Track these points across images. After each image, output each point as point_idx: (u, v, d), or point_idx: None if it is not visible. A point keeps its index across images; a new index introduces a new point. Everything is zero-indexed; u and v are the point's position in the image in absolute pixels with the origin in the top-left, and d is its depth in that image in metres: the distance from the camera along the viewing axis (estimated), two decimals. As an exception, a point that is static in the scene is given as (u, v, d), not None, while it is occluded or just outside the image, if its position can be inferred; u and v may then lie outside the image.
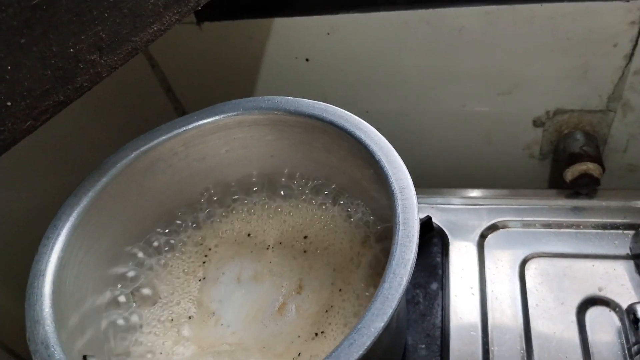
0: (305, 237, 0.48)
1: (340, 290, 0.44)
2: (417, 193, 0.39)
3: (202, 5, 0.43)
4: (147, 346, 0.42)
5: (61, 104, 0.37)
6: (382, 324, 0.31)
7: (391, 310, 0.31)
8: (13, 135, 0.34)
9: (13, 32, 0.32)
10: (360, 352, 0.30)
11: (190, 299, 0.45)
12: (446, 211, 0.61)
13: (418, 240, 0.35)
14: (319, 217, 0.49)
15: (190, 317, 0.44)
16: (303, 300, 0.44)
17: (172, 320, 0.44)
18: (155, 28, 0.40)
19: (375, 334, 0.31)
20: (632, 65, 0.57)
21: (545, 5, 0.54)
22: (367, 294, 0.42)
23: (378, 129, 0.44)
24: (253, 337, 0.42)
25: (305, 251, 0.47)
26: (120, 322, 0.44)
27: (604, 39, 0.55)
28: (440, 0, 0.55)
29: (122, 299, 0.42)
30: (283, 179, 0.51)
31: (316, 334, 0.42)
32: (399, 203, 0.37)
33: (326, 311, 0.42)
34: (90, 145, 0.62)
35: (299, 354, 0.41)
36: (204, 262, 0.48)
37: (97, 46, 0.37)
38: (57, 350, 0.35)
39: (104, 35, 0.37)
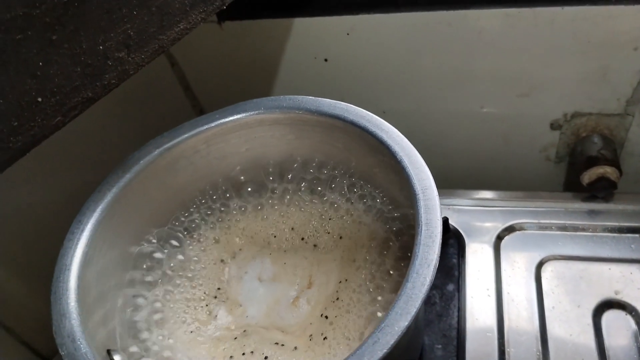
0: (329, 232, 0.48)
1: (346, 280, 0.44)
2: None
3: (227, 4, 0.44)
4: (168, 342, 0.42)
5: (89, 100, 0.37)
6: (406, 324, 0.31)
7: (415, 310, 0.32)
8: (42, 131, 0.35)
9: (45, 29, 0.33)
10: (384, 351, 0.31)
11: (214, 295, 0.46)
12: (462, 212, 0.62)
13: (441, 240, 0.35)
14: (341, 214, 0.49)
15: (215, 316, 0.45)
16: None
17: (196, 312, 0.44)
18: (181, 27, 0.41)
19: (399, 333, 0.31)
20: (652, 69, 0.57)
21: (567, 8, 0.54)
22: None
23: (396, 129, 0.44)
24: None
25: (315, 245, 0.47)
26: (140, 316, 0.44)
27: (625, 42, 0.55)
28: (461, 2, 0.56)
29: (144, 291, 0.43)
30: (302, 177, 0.52)
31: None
32: (422, 203, 0.38)
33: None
34: (110, 141, 0.63)
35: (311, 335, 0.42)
36: (222, 260, 0.48)
37: (125, 44, 0.38)
38: (82, 343, 0.35)
39: (132, 33, 0.38)
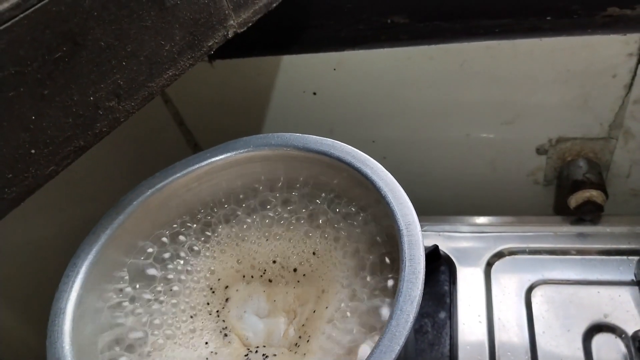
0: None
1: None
2: (424, 221, 0.40)
3: (214, 50, 0.45)
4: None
5: (81, 149, 0.38)
6: (391, 361, 0.32)
7: (399, 347, 0.33)
8: (36, 181, 0.36)
9: (37, 85, 0.34)
10: (370, 389, 0.32)
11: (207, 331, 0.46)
12: (453, 239, 0.63)
13: (424, 276, 0.36)
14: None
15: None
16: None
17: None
18: (170, 73, 0.42)
19: (384, 370, 0.32)
20: (632, 94, 0.58)
21: (545, 39, 0.55)
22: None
23: (384, 158, 0.45)
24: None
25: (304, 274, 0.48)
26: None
27: (603, 70, 0.57)
28: (443, 36, 0.57)
29: (138, 334, 0.44)
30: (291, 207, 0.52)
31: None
32: (405, 239, 0.39)
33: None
34: (106, 178, 0.64)
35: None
36: (213, 291, 0.49)
37: (116, 93, 0.39)
38: (77, 386, 0.36)
39: (122, 83, 0.39)
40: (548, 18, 0.55)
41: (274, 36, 0.62)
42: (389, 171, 0.44)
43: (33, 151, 0.35)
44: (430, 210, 0.68)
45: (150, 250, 0.48)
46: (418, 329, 0.55)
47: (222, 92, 0.68)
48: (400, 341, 0.33)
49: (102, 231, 0.45)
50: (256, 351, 0.44)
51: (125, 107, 0.40)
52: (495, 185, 0.70)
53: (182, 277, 0.48)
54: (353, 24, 0.60)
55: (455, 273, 0.59)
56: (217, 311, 0.47)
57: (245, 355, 0.44)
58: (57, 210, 0.58)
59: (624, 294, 0.55)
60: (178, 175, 0.48)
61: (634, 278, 0.55)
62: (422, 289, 0.36)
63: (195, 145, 0.75)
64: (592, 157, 0.65)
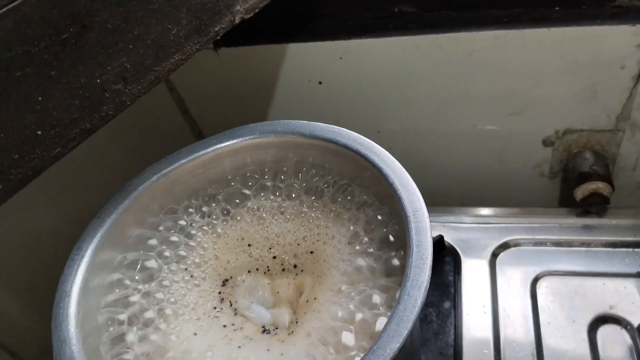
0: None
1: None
2: (429, 212, 0.40)
3: (221, 35, 0.45)
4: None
5: (87, 131, 0.38)
6: (398, 345, 0.32)
7: (406, 332, 0.32)
8: (43, 163, 0.36)
9: (44, 65, 0.34)
10: (377, 373, 0.31)
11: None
12: (458, 230, 0.62)
13: (432, 262, 0.36)
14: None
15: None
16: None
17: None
18: (176, 58, 0.42)
19: (391, 355, 0.32)
20: (640, 86, 0.58)
21: (553, 29, 0.55)
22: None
23: (390, 149, 0.45)
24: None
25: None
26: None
27: (612, 61, 0.56)
28: (451, 25, 0.57)
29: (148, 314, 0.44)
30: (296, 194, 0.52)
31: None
32: (412, 225, 0.39)
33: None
34: (110, 165, 0.64)
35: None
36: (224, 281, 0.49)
37: (122, 76, 0.39)
38: (83, 369, 0.36)
39: (128, 66, 0.39)
40: (557, 8, 0.55)
41: (280, 24, 0.62)
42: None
43: (39, 132, 0.35)
44: (436, 201, 0.67)
45: (152, 238, 0.48)
46: (423, 318, 0.55)
47: (227, 81, 0.68)
48: (408, 325, 0.33)
49: (108, 215, 0.45)
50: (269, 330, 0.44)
51: (132, 91, 0.40)
52: (501, 176, 0.70)
53: (186, 263, 0.47)
54: (360, 12, 0.60)
55: (460, 264, 0.59)
56: (222, 297, 0.47)
57: (262, 331, 0.44)
58: (62, 196, 0.58)
59: (630, 286, 0.54)
60: (184, 161, 0.48)
61: (639, 270, 0.55)
62: (430, 274, 0.35)
63: (199, 133, 0.75)
64: (599, 149, 0.64)
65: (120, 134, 0.65)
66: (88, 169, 0.61)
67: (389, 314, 0.35)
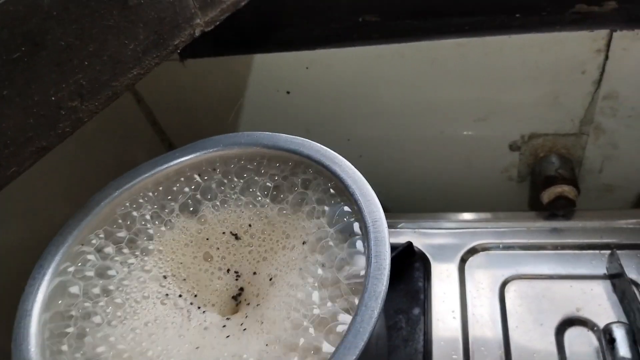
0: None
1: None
2: (399, 218, 0.40)
3: (180, 48, 0.45)
4: None
5: (44, 149, 0.38)
6: (354, 357, 0.32)
7: (362, 343, 0.33)
8: (-2, 182, 0.36)
9: (-4, 85, 0.34)
10: (333, 386, 0.32)
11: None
12: (427, 236, 0.63)
13: (389, 272, 0.36)
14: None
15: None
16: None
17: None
18: (135, 72, 0.42)
19: (348, 367, 0.32)
20: (601, 90, 0.59)
21: (514, 36, 0.56)
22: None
23: (360, 156, 0.45)
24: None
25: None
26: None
27: (573, 66, 0.57)
28: (414, 34, 0.58)
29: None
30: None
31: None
32: (372, 236, 0.39)
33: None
34: (80, 179, 0.63)
35: None
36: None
37: (78, 93, 0.39)
38: (43, 390, 0.36)
39: (84, 83, 0.39)
40: (517, 15, 0.56)
41: (246, 35, 0.62)
42: (365, 169, 0.44)
43: (-7, 152, 0.35)
44: (406, 207, 0.68)
45: (109, 248, 0.47)
46: (392, 325, 0.55)
47: (194, 92, 0.68)
48: (365, 337, 0.33)
49: (69, 232, 0.44)
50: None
51: (89, 107, 0.40)
52: (471, 181, 0.71)
53: (144, 269, 0.47)
54: (325, 22, 0.60)
55: (429, 269, 0.59)
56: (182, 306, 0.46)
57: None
58: (26, 212, 0.57)
59: (596, 288, 0.55)
60: (146, 175, 0.48)
61: (605, 272, 0.56)
62: (387, 284, 0.36)
63: (169, 145, 0.75)
64: (564, 152, 0.65)
65: (88, 148, 0.64)
66: (56, 182, 0.60)
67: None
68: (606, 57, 0.56)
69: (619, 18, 0.54)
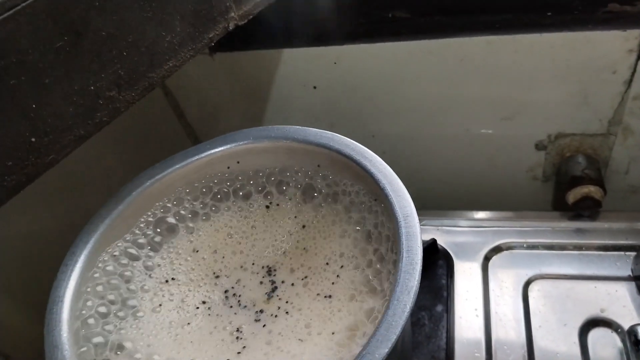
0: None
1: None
2: (423, 215, 0.40)
3: (215, 41, 0.45)
4: None
5: (82, 138, 0.39)
6: (386, 350, 0.32)
7: (395, 337, 0.33)
8: (36, 169, 0.36)
9: (38, 73, 0.34)
10: (366, 378, 0.32)
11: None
12: (451, 233, 0.63)
13: (421, 267, 0.37)
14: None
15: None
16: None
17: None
18: (170, 64, 0.42)
19: (380, 360, 0.32)
20: (631, 90, 0.58)
21: (545, 35, 0.55)
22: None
23: (384, 153, 0.46)
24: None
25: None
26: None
27: (603, 66, 0.57)
28: (444, 31, 0.57)
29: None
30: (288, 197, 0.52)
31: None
32: (403, 231, 0.39)
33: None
34: (107, 169, 0.64)
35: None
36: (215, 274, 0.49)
37: (116, 83, 0.39)
38: (75, 374, 0.37)
39: (122, 73, 0.39)
40: (549, 14, 0.56)
41: (275, 29, 0.62)
42: (388, 166, 0.44)
43: (33, 139, 0.35)
44: (429, 204, 0.68)
45: (142, 239, 0.48)
46: (415, 321, 0.55)
47: (222, 86, 0.68)
48: (397, 330, 0.33)
49: (101, 221, 0.45)
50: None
51: (126, 97, 0.40)
52: (494, 180, 0.71)
53: (179, 265, 0.48)
54: (354, 18, 0.60)
55: (452, 267, 0.59)
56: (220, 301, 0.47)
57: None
58: (57, 200, 0.58)
59: (621, 289, 0.55)
60: (177, 166, 0.49)
61: (630, 274, 0.56)
62: (419, 279, 0.36)
63: (195, 138, 0.76)
64: (591, 153, 0.65)
65: (116, 139, 0.65)
66: (84, 173, 0.61)
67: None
68: (638, 57, 0.55)
69: (652, 18, 0.54)
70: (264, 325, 0.43)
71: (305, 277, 0.46)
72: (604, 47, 0.56)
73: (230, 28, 0.47)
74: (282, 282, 0.46)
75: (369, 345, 0.33)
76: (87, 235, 0.44)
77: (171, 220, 0.49)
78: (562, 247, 0.60)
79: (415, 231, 0.39)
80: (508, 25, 0.56)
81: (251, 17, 0.48)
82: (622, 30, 0.54)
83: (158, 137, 0.71)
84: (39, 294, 0.45)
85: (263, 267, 0.48)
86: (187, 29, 0.43)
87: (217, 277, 0.47)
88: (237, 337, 0.43)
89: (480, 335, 0.54)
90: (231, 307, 0.45)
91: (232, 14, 0.46)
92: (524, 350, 0.52)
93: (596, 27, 0.55)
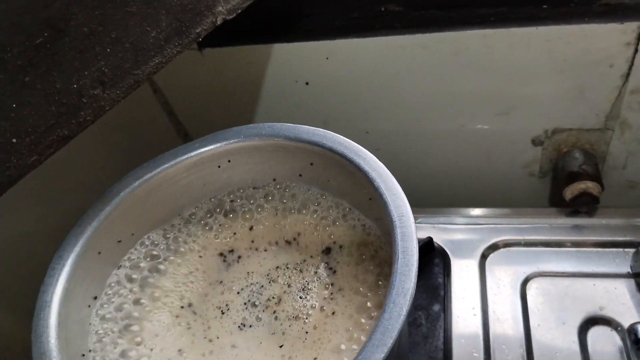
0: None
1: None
2: (418, 213, 0.39)
3: (202, 37, 0.44)
4: None
5: (65, 138, 0.37)
6: (383, 355, 0.31)
7: (391, 341, 0.32)
8: (19, 171, 0.35)
9: (17, 71, 0.33)
10: (362, 383, 0.31)
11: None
12: (447, 231, 0.62)
13: (417, 268, 0.36)
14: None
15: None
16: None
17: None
18: (156, 61, 0.41)
19: (376, 365, 0.31)
20: (629, 84, 0.57)
21: (541, 28, 0.54)
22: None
23: (378, 149, 0.44)
24: None
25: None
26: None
27: (600, 59, 0.56)
28: (438, 25, 0.56)
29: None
30: (284, 200, 0.52)
31: None
32: (398, 231, 0.38)
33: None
34: (96, 168, 0.63)
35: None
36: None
37: (100, 81, 0.38)
38: (62, 382, 0.35)
39: (106, 70, 0.38)
40: (545, 6, 0.55)
41: (266, 24, 0.61)
42: (383, 163, 0.43)
43: (14, 140, 0.34)
44: (425, 202, 0.67)
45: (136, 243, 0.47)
46: (412, 321, 0.54)
47: (212, 81, 0.67)
48: (393, 334, 0.32)
49: (89, 223, 0.44)
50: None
51: (110, 95, 0.39)
52: (491, 177, 0.70)
53: (170, 269, 0.47)
54: (346, 12, 0.59)
55: (449, 265, 0.59)
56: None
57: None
58: (44, 202, 0.57)
59: (620, 287, 0.54)
60: (166, 166, 0.47)
61: (629, 270, 0.55)
62: (415, 281, 0.35)
63: (185, 135, 0.74)
64: (588, 148, 0.64)
65: (105, 137, 0.64)
66: (72, 172, 0.60)
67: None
68: (636, 51, 0.54)
69: (649, 10, 0.53)
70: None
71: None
72: (600, 40, 0.55)
73: (218, 23, 0.45)
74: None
75: (365, 350, 0.32)
76: (74, 238, 0.43)
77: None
78: (560, 244, 0.59)
79: (410, 231, 0.38)
80: (503, 18, 0.55)
81: (240, 11, 0.46)
82: (619, 23, 0.53)
83: (148, 136, 0.70)
84: (30, 296, 0.44)
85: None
86: (173, 24, 0.41)
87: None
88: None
89: (479, 334, 0.53)
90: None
91: (220, 8, 0.45)
92: (522, 350, 0.51)
93: (593, 20, 0.54)
